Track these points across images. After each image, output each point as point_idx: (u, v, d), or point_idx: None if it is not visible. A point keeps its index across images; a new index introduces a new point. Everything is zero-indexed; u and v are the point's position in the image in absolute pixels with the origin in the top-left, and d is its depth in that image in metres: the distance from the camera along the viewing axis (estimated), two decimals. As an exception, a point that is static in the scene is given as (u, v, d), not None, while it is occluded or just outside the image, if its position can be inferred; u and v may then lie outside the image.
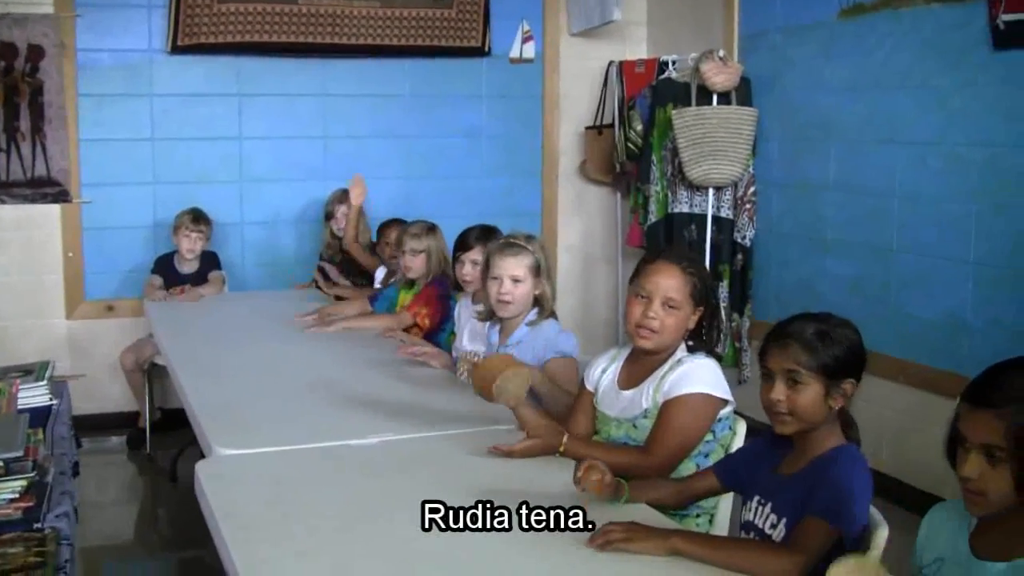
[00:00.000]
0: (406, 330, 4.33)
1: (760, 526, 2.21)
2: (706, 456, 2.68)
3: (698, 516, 2.67)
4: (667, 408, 2.64)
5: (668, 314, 2.69)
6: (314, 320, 4.48)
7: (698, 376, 2.65)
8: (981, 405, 1.76)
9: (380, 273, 5.14)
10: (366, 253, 5.55)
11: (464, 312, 4.03)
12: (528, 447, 2.65)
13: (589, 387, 2.91)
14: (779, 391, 2.18)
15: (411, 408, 3.16)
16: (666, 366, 2.71)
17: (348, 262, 5.60)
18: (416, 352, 3.79)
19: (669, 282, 2.69)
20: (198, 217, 5.59)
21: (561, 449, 2.64)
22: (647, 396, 2.71)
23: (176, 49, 5.70)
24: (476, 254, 3.96)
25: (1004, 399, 1.73)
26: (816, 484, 2.08)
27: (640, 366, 2.79)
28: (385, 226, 5.43)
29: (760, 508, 2.23)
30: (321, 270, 5.70)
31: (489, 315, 3.52)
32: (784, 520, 2.15)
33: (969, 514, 1.86)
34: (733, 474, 2.40)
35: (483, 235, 4.04)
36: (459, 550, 2.13)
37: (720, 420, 2.71)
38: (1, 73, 5.44)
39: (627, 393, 2.78)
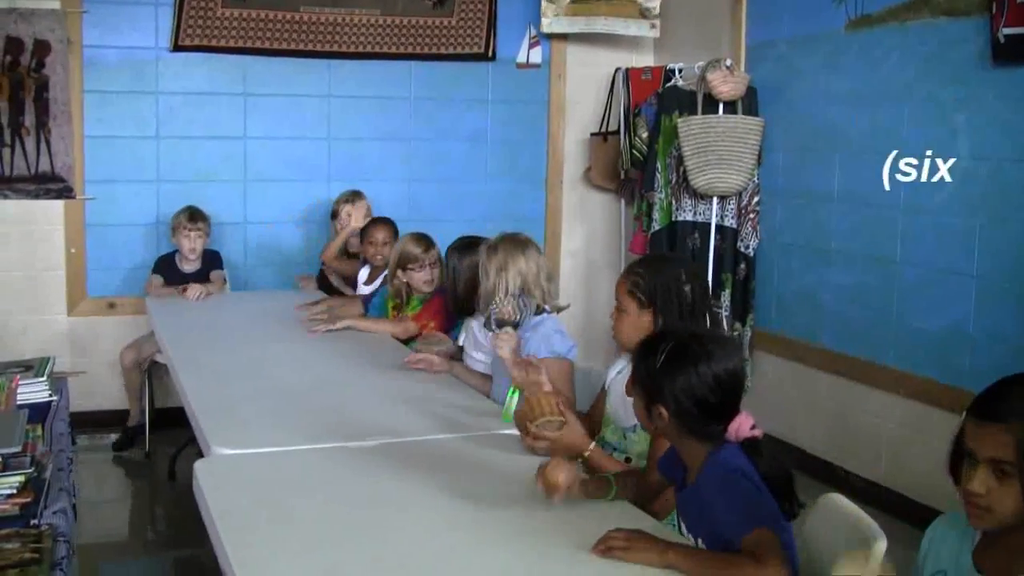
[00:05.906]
0: (413, 339, 4.31)
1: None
2: None
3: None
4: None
5: (618, 317, 2.83)
6: (321, 317, 4.47)
7: None
8: (989, 419, 1.73)
9: (364, 272, 5.13)
10: (345, 261, 5.53)
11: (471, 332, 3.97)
12: (553, 442, 2.65)
13: (606, 386, 2.95)
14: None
15: (410, 411, 3.16)
16: None
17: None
18: (413, 360, 3.74)
19: (616, 287, 2.85)
20: (195, 215, 5.54)
21: (585, 454, 2.64)
22: None
23: (178, 49, 5.71)
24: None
25: (1012, 413, 1.71)
26: (715, 505, 2.07)
27: None
28: (370, 225, 5.23)
29: (682, 526, 2.25)
30: (323, 276, 5.69)
31: (497, 323, 3.49)
32: (700, 539, 2.16)
33: (972, 528, 1.85)
34: (669, 468, 2.38)
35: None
36: (455, 552, 2.13)
37: None
38: (7, 68, 5.44)
39: (628, 400, 2.78)
